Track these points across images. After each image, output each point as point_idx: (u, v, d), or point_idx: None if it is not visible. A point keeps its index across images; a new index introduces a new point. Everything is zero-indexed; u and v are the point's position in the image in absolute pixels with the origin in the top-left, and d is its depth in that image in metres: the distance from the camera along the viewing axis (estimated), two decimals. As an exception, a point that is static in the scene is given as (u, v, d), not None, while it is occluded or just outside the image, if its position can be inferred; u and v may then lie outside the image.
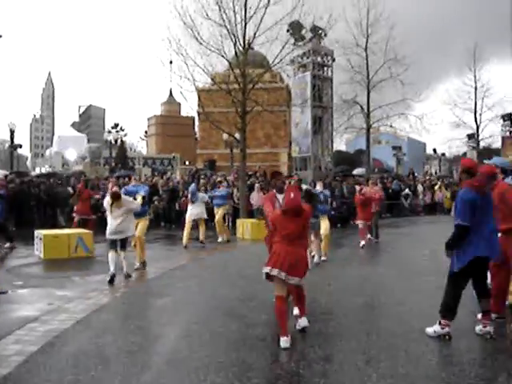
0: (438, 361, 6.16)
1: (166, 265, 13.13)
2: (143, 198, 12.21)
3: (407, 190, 31.41)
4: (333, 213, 23.12)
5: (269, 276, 7.00)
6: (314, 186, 13.50)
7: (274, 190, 8.42)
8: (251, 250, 15.88)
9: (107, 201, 11.30)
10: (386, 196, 29.22)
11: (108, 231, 11.19)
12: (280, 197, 8.01)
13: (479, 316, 7.05)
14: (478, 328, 6.88)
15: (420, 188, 33.16)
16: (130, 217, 11.41)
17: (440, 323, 6.75)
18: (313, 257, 12.53)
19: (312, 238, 12.82)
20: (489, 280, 7.49)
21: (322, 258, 13.35)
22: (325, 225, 13.68)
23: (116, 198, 11.10)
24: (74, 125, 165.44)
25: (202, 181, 20.53)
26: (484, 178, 7.30)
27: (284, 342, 6.56)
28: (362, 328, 7.30)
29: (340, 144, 60.38)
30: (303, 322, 7.15)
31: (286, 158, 55.04)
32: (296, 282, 7.02)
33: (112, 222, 11.09)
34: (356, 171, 45.92)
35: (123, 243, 11.24)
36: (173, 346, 6.66)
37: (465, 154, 58.48)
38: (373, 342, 6.67)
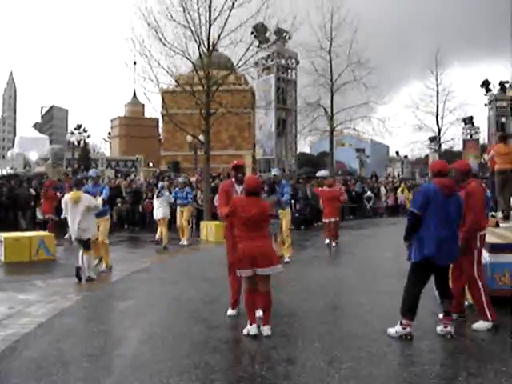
0: (399, 361, 6.23)
1: (128, 267, 13.02)
2: (103, 200, 12.13)
3: (369, 193, 31.67)
4: (297, 215, 23.28)
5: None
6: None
7: (234, 179, 8.44)
8: (215, 252, 15.84)
9: (64, 199, 11.19)
10: (349, 198, 29.50)
11: (70, 231, 11.10)
12: (239, 188, 8.05)
13: (440, 316, 7.14)
14: (439, 328, 6.97)
15: (383, 190, 33.47)
16: (90, 216, 11.28)
17: (401, 323, 6.82)
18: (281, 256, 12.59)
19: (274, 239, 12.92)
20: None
21: (286, 260, 13.37)
22: (286, 221, 13.75)
23: (76, 185, 11.08)
24: (36, 126, 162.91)
25: (166, 183, 20.44)
26: (458, 175, 7.47)
27: (252, 329, 6.82)
28: (324, 329, 7.33)
29: (304, 146, 60.78)
30: (266, 331, 7.08)
31: (251, 160, 55.13)
32: (273, 271, 7.19)
33: (72, 222, 10.98)
34: (319, 173, 46.18)
35: (84, 244, 11.12)
36: (135, 350, 6.61)
37: (427, 156, 59.25)
38: (335, 343, 6.71)
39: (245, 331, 7.05)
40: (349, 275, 11.65)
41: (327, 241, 16.75)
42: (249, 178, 7.75)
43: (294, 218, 23.01)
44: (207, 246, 18.49)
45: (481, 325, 7.16)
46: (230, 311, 8.12)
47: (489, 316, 7.14)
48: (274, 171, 14.27)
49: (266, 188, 13.14)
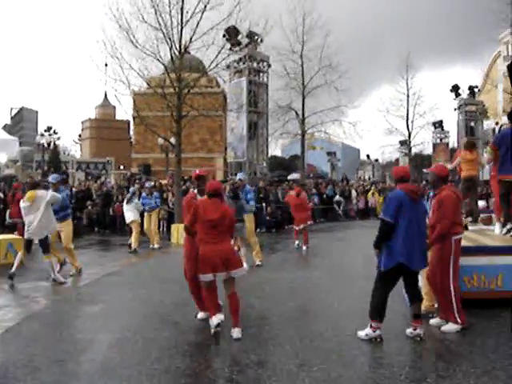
0: (369, 363, 6.27)
1: (99, 271, 12.92)
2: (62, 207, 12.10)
3: (338, 197, 31.81)
4: (268, 218, 23.31)
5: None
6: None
7: (195, 191, 8.42)
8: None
9: (22, 205, 11.10)
10: (320, 201, 29.61)
11: (25, 230, 11.03)
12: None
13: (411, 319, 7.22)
14: (409, 331, 7.03)
15: (354, 193, 33.65)
16: (50, 213, 11.21)
17: (371, 326, 6.88)
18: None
19: (238, 243, 12.97)
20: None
21: (257, 263, 13.38)
22: (250, 227, 13.76)
23: (31, 187, 11.04)
24: (5, 127, 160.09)
25: (137, 187, 20.28)
26: (434, 178, 7.56)
27: (216, 318, 6.96)
28: (295, 332, 7.35)
29: (275, 149, 60.74)
30: (236, 333, 7.12)
31: (222, 162, 55.07)
32: (239, 274, 7.30)
33: (28, 221, 10.90)
34: (291, 176, 46.30)
35: (43, 246, 11.03)
36: (105, 354, 6.56)
37: (397, 160, 59.74)
38: (306, 345, 6.73)
39: (212, 324, 7.10)
40: (320, 278, 11.69)
41: (297, 242, 16.88)
42: (210, 181, 7.84)
43: (265, 221, 23.13)
44: (178, 249, 18.32)
45: (450, 327, 7.24)
46: (200, 314, 8.12)
47: (458, 319, 7.22)
48: (240, 176, 14.27)
49: (229, 193, 13.21)
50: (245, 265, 12.79)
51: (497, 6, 26.99)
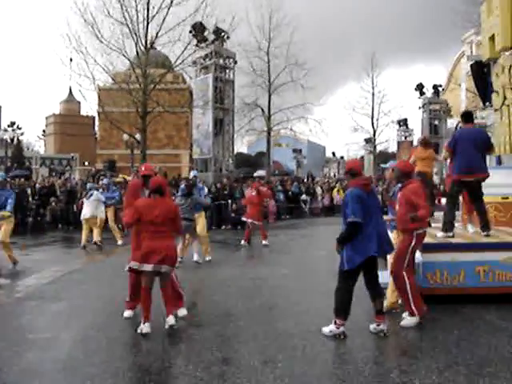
0: (333, 359, 6.31)
1: (62, 268, 12.76)
2: (9, 214, 12.12)
3: (304, 196, 31.94)
4: (233, 215, 23.28)
5: (132, 269, 7.44)
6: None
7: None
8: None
9: None
10: (285, 198, 29.67)
11: None
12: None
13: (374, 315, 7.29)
14: (372, 327, 7.10)
15: (319, 190, 33.78)
16: None
17: (335, 323, 6.92)
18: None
19: (186, 239, 13.42)
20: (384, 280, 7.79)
21: (207, 259, 13.35)
22: (201, 224, 13.84)
23: None
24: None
25: (101, 182, 20.07)
26: (398, 173, 7.65)
27: (145, 327, 7.03)
28: (259, 329, 7.36)
29: (241, 146, 60.95)
30: (170, 320, 7.23)
31: (188, 159, 54.82)
32: (167, 270, 7.32)
33: None
34: (257, 173, 46.34)
35: None
36: (68, 353, 6.48)
37: (362, 157, 60.21)
38: (270, 342, 6.74)
39: (138, 330, 7.11)
40: (285, 275, 11.72)
41: (243, 242, 16.91)
42: (153, 178, 7.90)
43: (230, 217, 23.11)
44: (143, 245, 18.25)
45: (408, 321, 7.33)
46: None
47: (415, 311, 7.31)
48: (193, 173, 14.32)
49: (183, 190, 13.27)
50: (195, 257, 12.90)
51: (461, 7, 27.40)
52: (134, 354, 6.39)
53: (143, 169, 8.73)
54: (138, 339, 7.00)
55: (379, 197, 8.20)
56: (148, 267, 7.19)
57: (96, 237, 16.56)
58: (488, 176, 9.63)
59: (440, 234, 9.63)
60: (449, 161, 10.80)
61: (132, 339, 7.04)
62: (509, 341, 6.67)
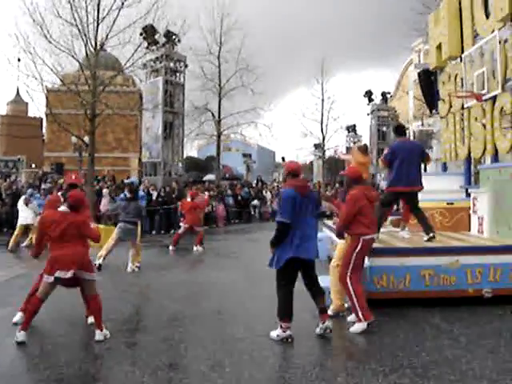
0: (281, 363, 6.33)
1: (7, 273, 12.51)
2: None
3: (255, 201, 32.06)
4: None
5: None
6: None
7: (60, 194, 8.31)
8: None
9: None
10: (235, 203, 29.70)
11: None
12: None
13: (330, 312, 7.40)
14: (318, 327, 7.16)
15: (268, 195, 33.91)
16: None
17: (281, 327, 6.95)
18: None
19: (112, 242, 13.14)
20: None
21: (136, 265, 13.12)
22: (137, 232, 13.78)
23: None
24: None
25: (48, 184, 19.76)
26: (347, 180, 7.77)
27: (21, 335, 6.83)
28: (207, 334, 7.33)
29: (191, 150, 60.54)
30: (97, 335, 7.07)
31: (137, 162, 54.35)
32: (89, 277, 7.30)
33: None
34: (206, 177, 46.26)
35: None
36: (13, 358, 6.36)
37: (311, 162, 60.65)
38: (218, 347, 6.72)
39: (17, 337, 6.94)
40: (234, 279, 11.71)
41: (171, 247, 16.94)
42: (72, 192, 7.78)
43: (179, 221, 22.99)
44: (91, 250, 18.00)
45: (356, 327, 7.39)
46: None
47: (361, 317, 7.38)
48: (132, 179, 14.34)
49: (127, 194, 13.23)
50: (129, 267, 12.74)
51: (410, 16, 27.88)
52: (80, 360, 6.29)
53: (73, 177, 8.59)
54: (84, 345, 6.91)
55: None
56: (50, 278, 7.13)
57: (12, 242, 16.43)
58: (422, 188, 9.97)
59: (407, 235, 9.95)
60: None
61: (78, 345, 6.94)
62: (453, 343, 6.79)
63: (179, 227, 17.93)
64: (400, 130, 10.91)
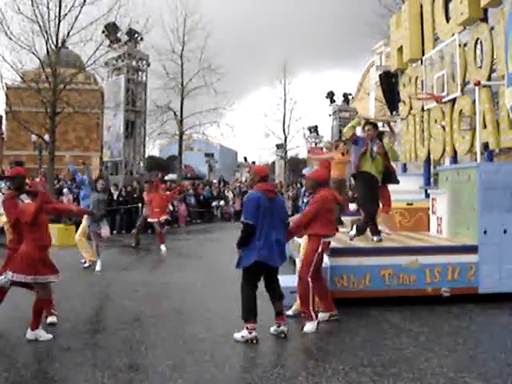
0: (242, 364, 6.32)
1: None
2: None
3: (220, 202, 32.06)
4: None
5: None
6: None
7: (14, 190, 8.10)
8: (58, 257, 15.30)
9: None
10: (197, 202, 29.62)
11: None
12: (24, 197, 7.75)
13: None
14: (273, 328, 7.21)
15: (230, 195, 33.91)
16: None
17: (247, 328, 6.95)
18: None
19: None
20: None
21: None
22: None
23: None
24: None
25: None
26: (312, 183, 7.79)
27: None
28: (168, 334, 7.30)
29: (153, 149, 60.19)
30: (29, 334, 7.07)
31: (98, 161, 53.89)
32: (20, 279, 7.14)
33: None
34: (168, 177, 46.00)
35: None
36: (-33, 359, 6.26)
37: (273, 162, 60.83)
38: (179, 347, 6.70)
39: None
40: (195, 279, 11.68)
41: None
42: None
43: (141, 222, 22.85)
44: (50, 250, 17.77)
45: (309, 326, 7.43)
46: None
47: (313, 316, 7.45)
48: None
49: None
50: (98, 265, 12.69)
51: (372, 19, 28.17)
52: (39, 361, 6.21)
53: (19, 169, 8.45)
54: (43, 346, 6.82)
55: (289, 203, 8.33)
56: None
57: None
58: None
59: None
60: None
61: (36, 346, 6.83)
62: (412, 342, 6.88)
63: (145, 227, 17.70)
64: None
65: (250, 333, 6.92)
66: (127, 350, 6.68)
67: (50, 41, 22.97)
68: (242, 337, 6.94)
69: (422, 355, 6.34)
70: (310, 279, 7.51)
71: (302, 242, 8.35)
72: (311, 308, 7.47)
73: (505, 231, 9.13)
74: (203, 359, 6.23)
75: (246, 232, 6.98)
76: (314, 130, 54.49)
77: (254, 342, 6.89)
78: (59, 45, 23.26)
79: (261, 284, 7.26)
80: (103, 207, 13.37)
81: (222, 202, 32.22)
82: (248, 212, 7.02)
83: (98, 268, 12.72)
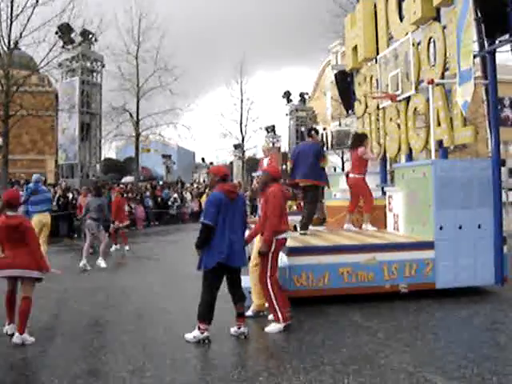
0: (203, 366, 6.30)
1: None
2: None
3: (175, 203, 31.95)
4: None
5: None
6: None
7: None
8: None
9: None
10: (154, 204, 29.43)
11: None
12: None
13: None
14: (233, 329, 7.20)
15: (188, 196, 33.79)
16: None
17: (199, 328, 6.92)
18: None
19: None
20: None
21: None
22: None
23: None
24: None
25: None
26: (267, 178, 7.83)
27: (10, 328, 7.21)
28: (128, 338, 7.23)
29: (109, 151, 59.64)
30: (16, 339, 7.01)
31: (53, 165, 53.09)
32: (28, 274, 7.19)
33: None
34: (125, 179, 45.67)
35: None
36: None
37: (231, 163, 60.83)
38: (138, 351, 6.63)
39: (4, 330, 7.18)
40: (154, 282, 11.61)
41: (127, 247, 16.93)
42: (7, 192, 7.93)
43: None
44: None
45: (273, 327, 7.43)
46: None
47: (280, 318, 7.43)
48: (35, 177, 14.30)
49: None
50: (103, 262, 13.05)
51: (328, 18, 28.33)
52: (-5, 370, 6.09)
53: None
54: (1, 354, 6.69)
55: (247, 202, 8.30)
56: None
57: None
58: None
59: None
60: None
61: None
62: (371, 339, 6.94)
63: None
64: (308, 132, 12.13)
65: (202, 333, 6.92)
66: (86, 355, 6.59)
67: (2, 42, 22.63)
68: (194, 337, 6.92)
69: (382, 351, 6.40)
70: (268, 280, 7.50)
71: (256, 241, 8.33)
72: (277, 308, 7.44)
73: (460, 227, 9.28)
74: (163, 362, 6.18)
75: (205, 233, 6.96)
76: (271, 129, 54.64)
77: (206, 342, 6.88)
78: (11, 46, 22.90)
79: (222, 285, 7.23)
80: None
81: (175, 203, 32.04)
82: (208, 213, 6.99)
83: (103, 265, 13.98)
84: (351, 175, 12.00)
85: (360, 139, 12.32)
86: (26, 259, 7.10)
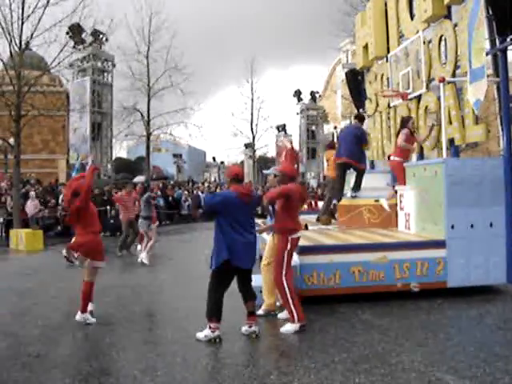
0: (214, 364, 6.28)
1: None
2: None
3: (187, 202, 32.02)
4: (112, 221, 22.91)
5: None
6: None
7: None
8: (26, 262, 15.16)
9: None
10: (166, 204, 29.46)
11: None
12: None
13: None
14: (244, 328, 7.19)
15: (200, 195, 33.81)
16: None
17: (210, 327, 6.93)
18: None
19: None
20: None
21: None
22: None
23: None
24: None
25: None
26: (283, 177, 7.74)
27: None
28: (139, 337, 7.26)
29: (120, 151, 59.84)
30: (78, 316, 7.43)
31: (65, 164, 53.28)
32: None
33: None
34: (136, 179, 45.70)
35: None
36: None
37: (242, 162, 60.90)
38: (150, 350, 6.65)
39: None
40: (165, 281, 11.64)
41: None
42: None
43: (109, 224, 22.72)
44: (17, 255, 17.58)
45: (288, 327, 7.41)
46: None
47: (296, 318, 7.41)
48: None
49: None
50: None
51: (338, 17, 28.33)
52: (8, 368, 6.08)
53: None
54: (11, 352, 6.72)
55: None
56: None
57: None
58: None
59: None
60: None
61: (6, 352, 6.71)
62: (382, 338, 6.92)
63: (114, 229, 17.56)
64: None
65: (213, 332, 6.92)
66: (98, 354, 6.61)
67: (14, 43, 22.63)
68: (205, 336, 6.93)
69: (393, 350, 6.38)
70: (284, 278, 7.48)
71: (268, 241, 8.33)
72: (293, 309, 7.42)
73: (471, 225, 9.24)
74: (174, 361, 6.19)
75: (194, 202, 7.14)
76: (282, 128, 54.66)
77: (217, 341, 6.88)
78: (23, 47, 22.93)
79: (232, 283, 7.23)
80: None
81: (187, 202, 32.05)
82: (209, 199, 7.20)
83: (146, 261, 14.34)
84: (392, 157, 11.92)
85: (401, 122, 12.10)
86: None
